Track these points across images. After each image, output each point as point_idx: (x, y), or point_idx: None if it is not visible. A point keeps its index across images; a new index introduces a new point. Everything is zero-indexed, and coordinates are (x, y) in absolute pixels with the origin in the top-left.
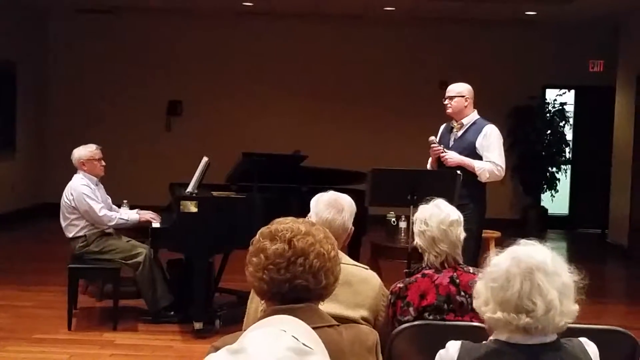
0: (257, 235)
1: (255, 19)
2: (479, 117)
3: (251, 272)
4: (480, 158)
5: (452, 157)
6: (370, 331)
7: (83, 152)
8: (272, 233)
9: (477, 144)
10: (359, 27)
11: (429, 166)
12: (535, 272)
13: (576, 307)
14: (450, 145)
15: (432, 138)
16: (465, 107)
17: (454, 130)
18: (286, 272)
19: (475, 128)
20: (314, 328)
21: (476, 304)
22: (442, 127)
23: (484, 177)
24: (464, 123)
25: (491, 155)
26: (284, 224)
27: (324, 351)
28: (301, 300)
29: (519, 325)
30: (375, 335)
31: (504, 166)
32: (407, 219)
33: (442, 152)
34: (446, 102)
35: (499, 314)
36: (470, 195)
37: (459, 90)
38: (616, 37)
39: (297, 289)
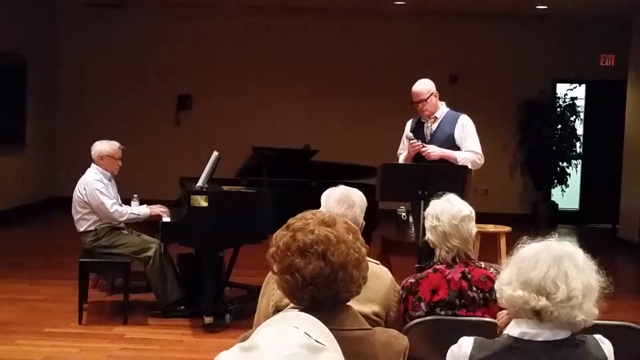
0: (282, 246)
1: (266, 13)
2: (447, 108)
3: (287, 290)
4: (458, 148)
5: (434, 150)
6: (401, 336)
7: (106, 146)
8: (301, 248)
9: (456, 135)
10: (369, 22)
11: (401, 161)
12: (565, 260)
13: (596, 310)
14: (427, 139)
15: (410, 134)
16: (436, 102)
17: (428, 124)
18: (328, 290)
19: (450, 120)
20: (349, 331)
21: (498, 285)
22: (410, 122)
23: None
24: (437, 116)
25: (470, 144)
26: (309, 231)
27: (337, 348)
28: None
29: (536, 307)
30: (406, 340)
31: (482, 154)
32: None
33: (422, 147)
34: (420, 105)
35: (519, 292)
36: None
37: (428, 89)
38: (628, 31)
39: (339, 301)
